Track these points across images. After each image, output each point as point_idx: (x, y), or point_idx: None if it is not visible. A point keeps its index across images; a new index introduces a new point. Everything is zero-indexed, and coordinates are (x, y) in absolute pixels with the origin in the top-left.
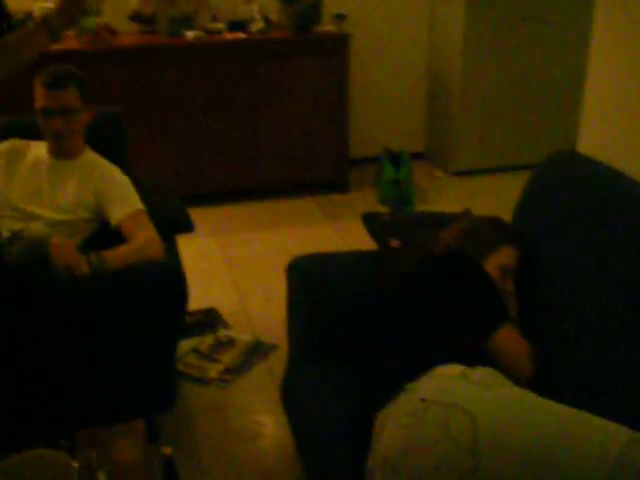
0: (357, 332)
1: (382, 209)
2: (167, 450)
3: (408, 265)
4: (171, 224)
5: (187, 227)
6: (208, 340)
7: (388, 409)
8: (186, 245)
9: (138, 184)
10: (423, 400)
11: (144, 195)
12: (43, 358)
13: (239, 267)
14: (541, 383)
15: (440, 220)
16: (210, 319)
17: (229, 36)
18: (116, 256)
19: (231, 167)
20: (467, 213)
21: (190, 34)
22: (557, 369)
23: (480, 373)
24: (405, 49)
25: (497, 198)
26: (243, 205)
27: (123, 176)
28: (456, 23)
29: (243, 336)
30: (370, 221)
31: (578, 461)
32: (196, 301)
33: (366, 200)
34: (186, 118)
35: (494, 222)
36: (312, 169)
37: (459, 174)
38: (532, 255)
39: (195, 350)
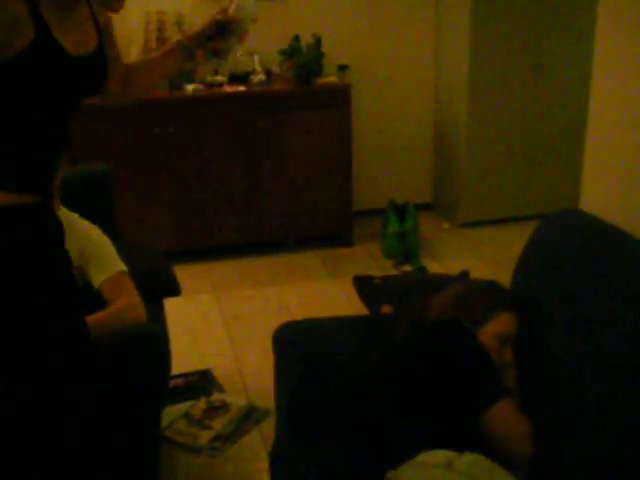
0: (343, 405)
1: (387, 263)
2: None
3: (398, 334)
4: (157, 287)
5: (173, 291)
6: (200, 405)
7: None
8: (185, 303)
9: (125, 244)
10: None
11: (130, 256)
12: None
13: (237, 326)
14: (545, 463)
15: (435, 283)
16: (204, 381)
17: (229, 89)
18: (95, 321)
19: (232, 221)
20: (464, 275)
21: (189, 87)
22: (559, 446)
23: (467, 461)
24: (410, 99)
25: (504, 250)
26: (245, 260)
27: (102, 236)
28: (461, 72)
29: (237, 400)
30: (361, 285)
31: None
32: (191, 362)
33: (370, 254)
34: (186, 172)
35: (491, 287)
36: (315, 223)
37: (466, 225)
38: (532, 320)
39: (186, 415)
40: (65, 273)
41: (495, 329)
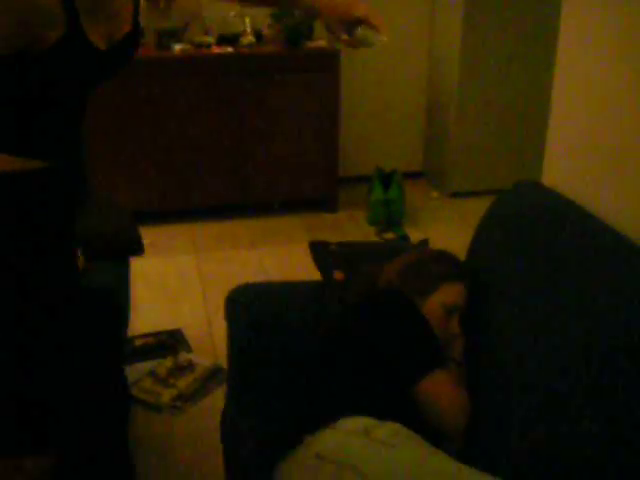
0: (287, 369)
1: (370, 230)
2: None
3: (347, 300)
4: (121, 246)
5: (136, 250)
6: (167, 363)
7: (287, 461)
8: (163, 263)
9: (94, 202)
10: (318, 456)
11: (97, 214)
12: None
13: (213, 287)
14: (478, 438)
15: (391, 251)
16: (173, 341)
17: (217, 50)
18: None
19: (217, 183)
20: (423, 244)
21: (177, 47)
22: (501, 420)
23: (385, 430)
24: (402, 66)
25: None
26: (228, 222)
27: None
28: (454, 41)
29: (203, 361)
30: (316, 250)
31: None
32: (164, 322)
33: (354, 220)
34: (171, 133)
35: (442, 256)
36: (300, 187)
37: (455, 195)
38: (483, 293)
39: (152, 374)
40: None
41: (442, 299)
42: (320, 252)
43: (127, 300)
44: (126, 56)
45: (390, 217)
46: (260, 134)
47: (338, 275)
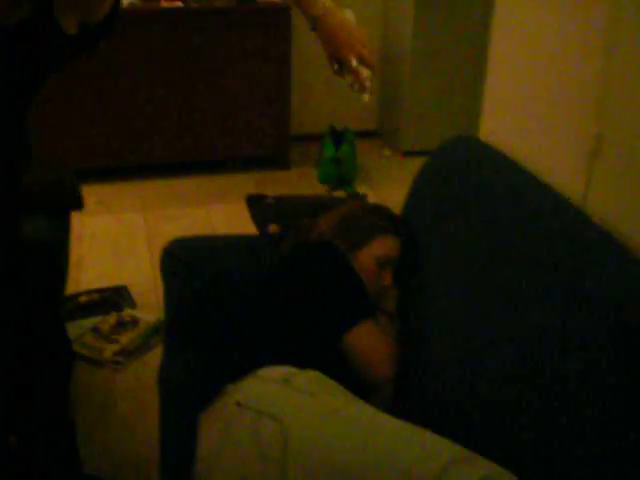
0: (224, 321)
1: (322, 188)
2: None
3: (280, 253)
4: (60, 200)
5: (75, 204)
6: (110, 319)
7: (209, 410)
8: (111, 221)
9: (34, 158)
10: (238, 404)
11: (37, 170)
12: None
13: (160, 245)
14: (407, 391)
15: (328, 205)
16: (118, 297)
17: (166, 4)
18: None
19: (167, 140)
20: (358, 198)
21: (126, 0)
22: (431, 371)
23: (305, 378)
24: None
25: None
26: (178, 180)
27: None
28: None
29: (147, 316)
30: (253, 205)
31: None
32: (110, 279)
33: (306, 178)
34: (119, 89)
35: (376, 210)
36: (252, 145)
37: (408, 154)
38: (417, 247)
39: (95, 329)
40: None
41: (374, 251)
42: (257, 206)
43: (66, 255)
44: (96, 41)
45: (341, 175)
46: (210, 91)
47: (273, 228)
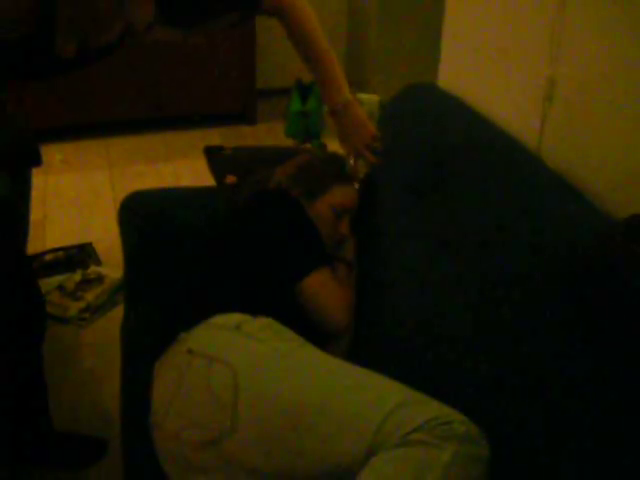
0: (180, 272)
1: (289, 142)
2: None
3: (236, 203)
4: (18, 157)
5: (34, 161)
6: (75, 277)
7: (162, 359)
8: (77, 179)
9: None
10: (190, 351)
11: None
12: None
13: None
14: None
15: (287, 156)
16: (83, 255)
17: None
18: None
19: (132, 96)
20: (319, 148)
21: None
22: (378, 323)
23: (256, 324)
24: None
25: None
26: (144, 136)
27: None
28: None
29: (112, 273)
30: (211, 155)
31: (340, 426)
32: (75, 237)
33: (273, 132)
34: None
35: (334, 159)
36: (218, 100)
37: None
38: (374, 196)
39: (60, 287)
40: None
41: (331, 200)
42: (214, 157)
43: (27, 212)
44: (90, 63)
45: (308, 129)
46: (175, 45)
47: (230, 179)
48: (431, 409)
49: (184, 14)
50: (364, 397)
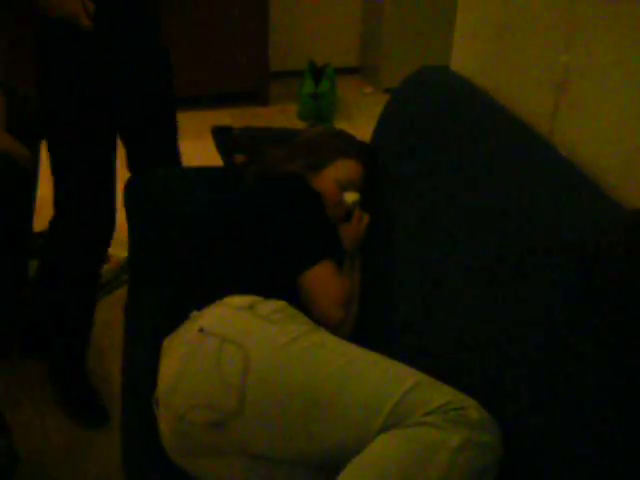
0: (191, 252)
1: (301, 124)
2: None
3: (244, 185)
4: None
5: (42, 136)
6: None
7: (172, 336)
8: None
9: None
10: (201, 330)
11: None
12: None
13: None
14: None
15: (294, 137)
16: None
17: None
18: None
19: None
20: (323, 128)
21: None
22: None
23: (270, 306)
24: None
25: None
26: None
27: None
28: None
29: (119, 252)
30: (219, 135)
31: (353, 410)
32: None
33: (285, 114)
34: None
35: (337, 134)
36: (230, 80)
37: (389, 91)
38: (381, 174)
39: None
40: None
41: (336, 173)
42: (223, 137)
43: (34, 187)
44: None
45: (320, 111)
46: (189, 25)
47: (239, 159)
48: (445, 394)
49: None
50: (376, 381)
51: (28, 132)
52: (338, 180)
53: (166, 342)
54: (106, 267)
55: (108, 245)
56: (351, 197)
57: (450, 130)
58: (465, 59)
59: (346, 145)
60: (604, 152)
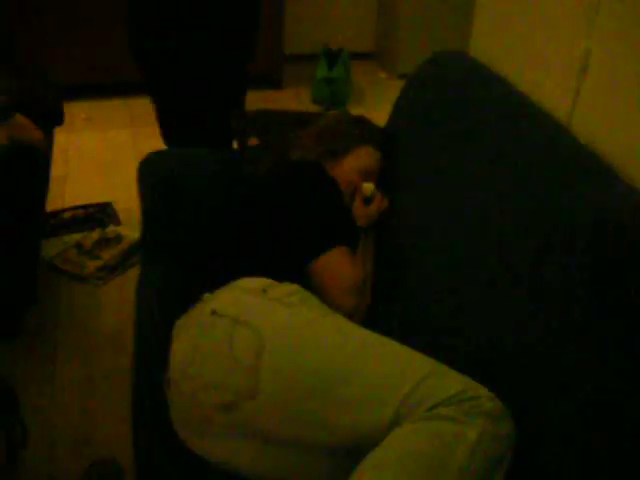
0: (203, 233)
1: (315, 108)
2: None
3: (259, 168)
4: (41, 115)
5: (56, 120)
6: (94, 235)
7: (184, 318)
8: (99, 138)
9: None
10: (214, 312)
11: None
12: None
13: None
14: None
15: (309, 120)
16: (103, 214)
17: None
18: None
19: None
20: (343, 113)
21: None
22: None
23: (283, 289)
24: None
25: None
26: None
27: None
28: None
29: (131, 233)
30: (233, 118)
31: (366, 395)
32: (95, 195)
33: (299, 98)
34: (105, 5)
35: (357, 121)
36: None
37: (404, 77)
38: (400, 160)
39: (77, 245)
40: None
41: (355, 161)
42: (239, 120)
43: (47, 168)
44: None
45: (334, 96)
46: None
47: (253, 141)
48: (458, 382)
49: None
50: (391, 367)
51: (43, 115)
52: (358, 168)
53: (178, 324)
54: (117, 248)
55: None
56: (369, 188)
57: (466, 115)
58: (485, 45)
59: (367, 132)
60: (624, 138)
